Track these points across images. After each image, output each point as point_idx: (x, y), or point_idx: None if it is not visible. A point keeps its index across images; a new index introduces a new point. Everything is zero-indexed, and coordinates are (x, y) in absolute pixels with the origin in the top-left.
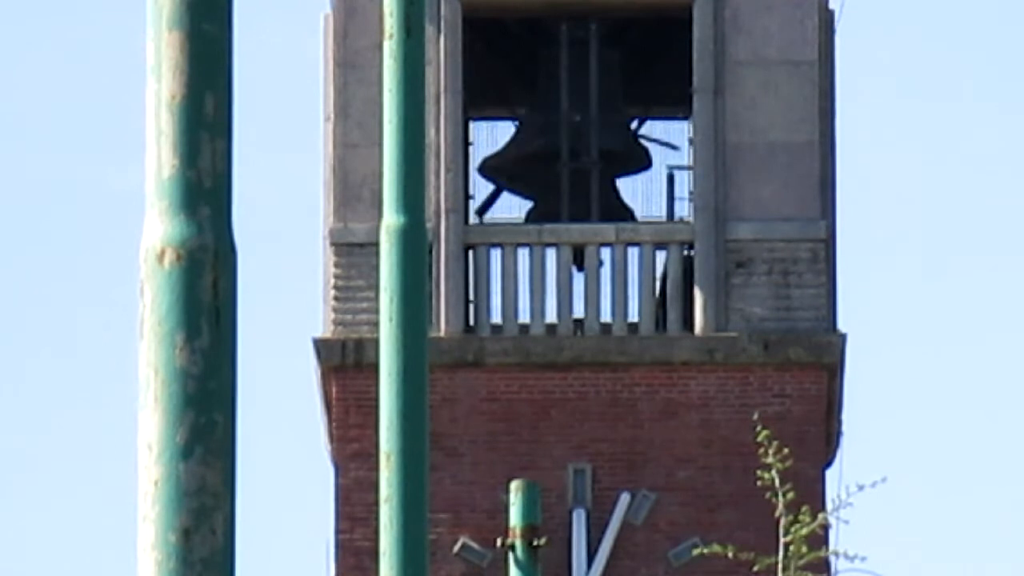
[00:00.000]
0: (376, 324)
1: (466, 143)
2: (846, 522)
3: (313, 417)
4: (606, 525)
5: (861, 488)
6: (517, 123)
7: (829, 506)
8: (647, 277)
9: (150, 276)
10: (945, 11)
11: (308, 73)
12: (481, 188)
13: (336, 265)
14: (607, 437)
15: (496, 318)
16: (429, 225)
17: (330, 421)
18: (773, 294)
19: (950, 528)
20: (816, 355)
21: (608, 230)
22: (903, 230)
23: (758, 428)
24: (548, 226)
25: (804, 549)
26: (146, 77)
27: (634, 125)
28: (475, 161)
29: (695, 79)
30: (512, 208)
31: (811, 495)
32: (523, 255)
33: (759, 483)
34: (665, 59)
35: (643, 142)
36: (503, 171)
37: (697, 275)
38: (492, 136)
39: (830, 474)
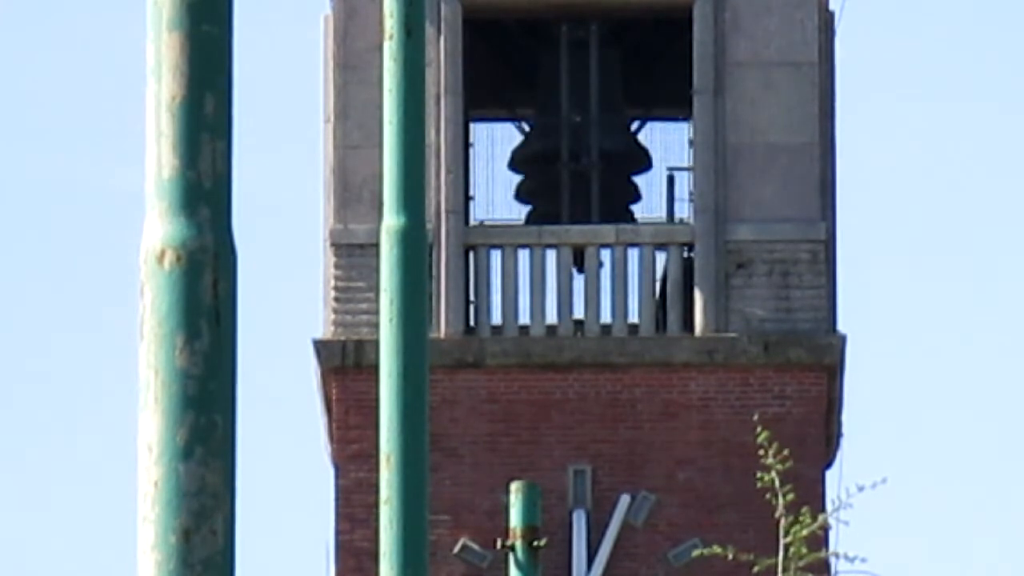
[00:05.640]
0: (376, 325)
1: (466, 144)
2: (846, 523)
3: (313, 418)
4: (606, 526)
5: (861, 489)
6: (530, 124)
7: (829, 507)
8: (647, 278)
9: (150, 277)
10: (945, 11)
11: (308, 74)
12: (481, 189)
13: (336, 266)
14: (607, 438)
15: (496, 319)
16: (429, 226)
17: (330, 422)
18: (773, 295)
19: (950, 528)
20: (816, 356)
21: (608, 231)
22: (903, 230)
23: (758, 429)
24: (548, 227)
25: (804, 550)
26: (146, 78)
27: (634, 126)
28: (475, 162)
29: (695, 80)
30: (512, 209)
31: (811, 496)
32: (523, 256)
33: (759, 484)
34: (665, 60)
35: (642, 143)
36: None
37: (697, 276)
38: (492, 137)
39: (830, 475)
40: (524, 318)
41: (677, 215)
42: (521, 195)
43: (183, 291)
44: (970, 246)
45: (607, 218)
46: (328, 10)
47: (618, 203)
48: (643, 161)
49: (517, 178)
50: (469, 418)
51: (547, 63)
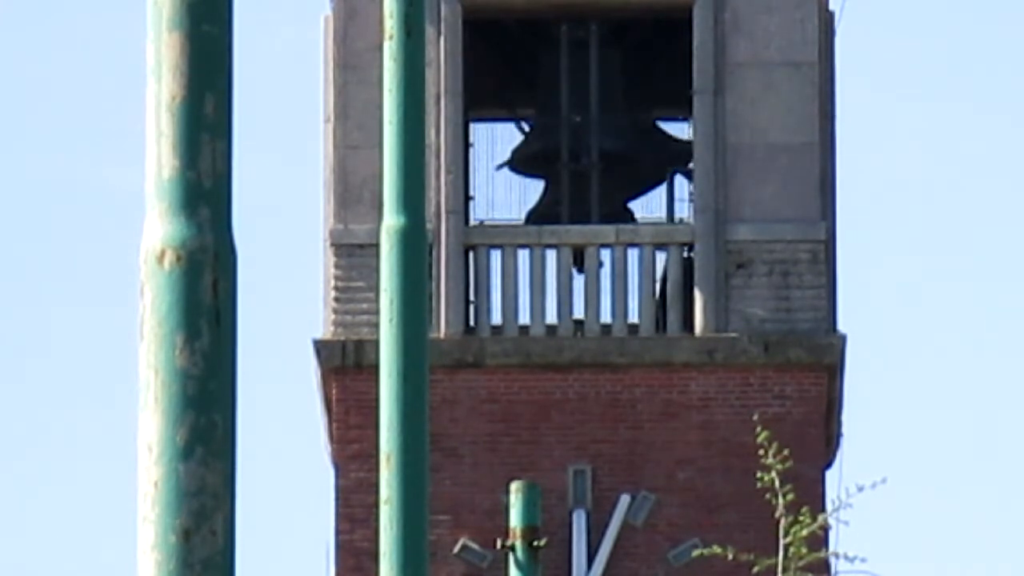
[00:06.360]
0: (376, 325)
1: (466, 144)
2: (846, 523)
3: (313, 418)
4: (606, 526)
5: (861, 489)
6: (530, 124)
7: (829, 507)
8: (647, 278)
9: (150, 277)
10: (945, 11)
11: (308, 74)
12: (481, 189)
13: (336, 266)
14: (607, 438)
15: (496, 319)
16: (429, 226)
17: (330, 422)
18: (773, 295)
19: (950, 528)
20: (816, 356)
21: (608, 231)
22: (903, 230)
23: (758, 429)
24: (548, 227)
25: (804, 550)
26: (146, 78)
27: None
28: (475, 162)
29: (695, 80)
30: (512, 209)
31: (811, 496)
32: (523, 256)
33: (759, 484)
34: (665, 60)
35: (643, 141)
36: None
37: (697, 276)
38: (492, 137)
39: (830, 475)
40: (524, 318)
41: (677, 215)
42: (542, 199)
43: (183, 291)
44: (970, 246)
45: (607, 218)
46: (328, 10)
47: (621, 202)
48: (643, 161)
49: (517, 178)
50: (469, 418)
51: (547, 63)
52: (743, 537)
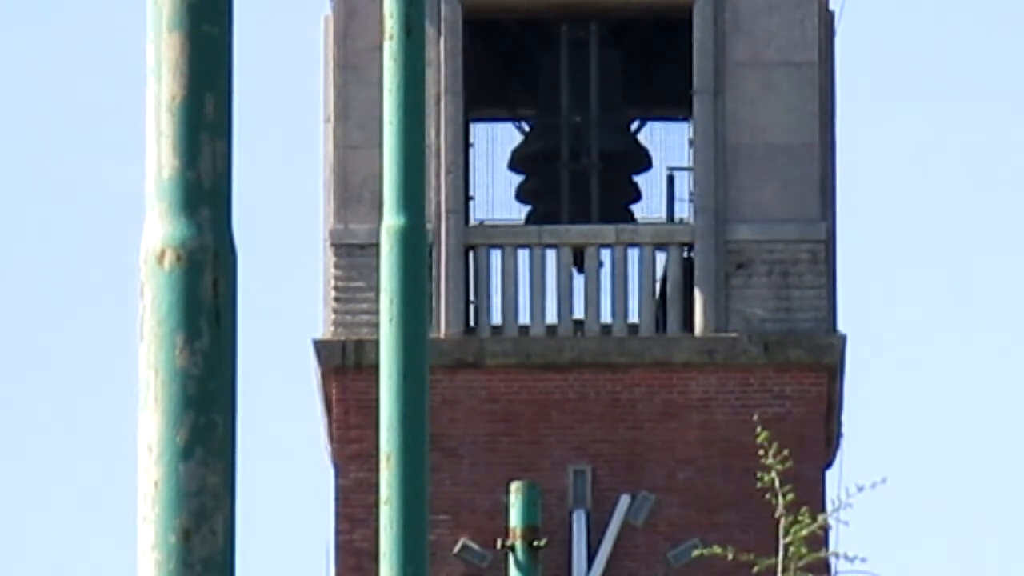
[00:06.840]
0: (376, 325)
1: (466, 144)
2: (846, 523)
3: (313, 418)
4: (606, 526)
5: (861, 489)
6: (530, 124)
7: (829, 507)
8: (647, 278)
9: (150, 277)
10: (944, 11)
11: (308, 74)
12: (481, 189)
13: (336, 266)
14: (607, 438)
15: (496, 319)
16: (429, 226)
17: (330, 422)
18: (773, 295)
19: (950, 528)
20: (816, 356)
21: (608, 231)
22: (903, 230)
23: (758, 429)
24: (548, 227)
25: (804, 550)
26: (146, 78)
27: (634, 126)
28: (475, 162)
29: (695, 80)
30: (512, 209)
31: (811, 496)
32: (523, 256)
33: (759, 484)
34: (665, 60)
35: (643, 143)
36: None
37: (697, 276)
38: (492, 137)
39: (830, 475)
40: (524, 318)
41: (677, 215)
42: (522, 195)
43: (183, 291)
44: (970, 245)
45: (607, 218)
46: (328, 10)
47: (618, 203)
48: (643, 161)
49: (517, 178)
50: (469, 418)
51: (547, 63)
52: (743, 537)
